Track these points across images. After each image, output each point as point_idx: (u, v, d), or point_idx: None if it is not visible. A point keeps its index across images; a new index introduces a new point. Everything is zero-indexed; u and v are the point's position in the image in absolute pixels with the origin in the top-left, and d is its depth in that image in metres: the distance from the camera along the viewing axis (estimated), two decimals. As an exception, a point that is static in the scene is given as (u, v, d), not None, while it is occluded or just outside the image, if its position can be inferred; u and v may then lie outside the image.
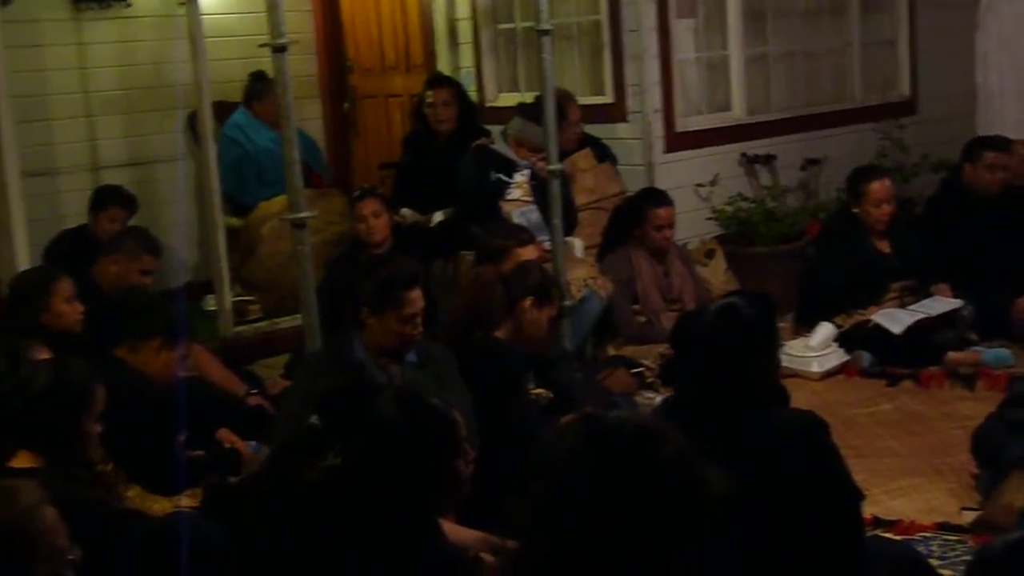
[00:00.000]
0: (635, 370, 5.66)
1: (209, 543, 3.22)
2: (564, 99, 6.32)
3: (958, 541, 4.01)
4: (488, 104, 7.55)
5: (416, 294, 4.21)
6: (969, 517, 4.13)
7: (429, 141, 6.95)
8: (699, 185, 7.14)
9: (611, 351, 6.01)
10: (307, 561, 2.76)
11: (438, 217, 6.62)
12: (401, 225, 6.39)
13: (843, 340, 5.97)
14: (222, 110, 7.19)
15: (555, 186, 5.62)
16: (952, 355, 5.74)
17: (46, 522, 2.38)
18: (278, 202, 6.58)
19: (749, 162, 7.40)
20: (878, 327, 5.89)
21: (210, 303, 6.79)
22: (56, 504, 2.43)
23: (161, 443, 4.01)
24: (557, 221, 5.63)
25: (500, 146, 6.30)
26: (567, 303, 5.39)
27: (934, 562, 3.72)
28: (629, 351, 5.93)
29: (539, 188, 6.02)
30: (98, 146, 7.34)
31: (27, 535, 2.33)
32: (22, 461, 3.27)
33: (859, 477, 2.97)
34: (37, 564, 2.33)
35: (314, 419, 3.63)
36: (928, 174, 7.56)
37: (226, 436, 4.50)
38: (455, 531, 3.21)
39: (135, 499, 3.79)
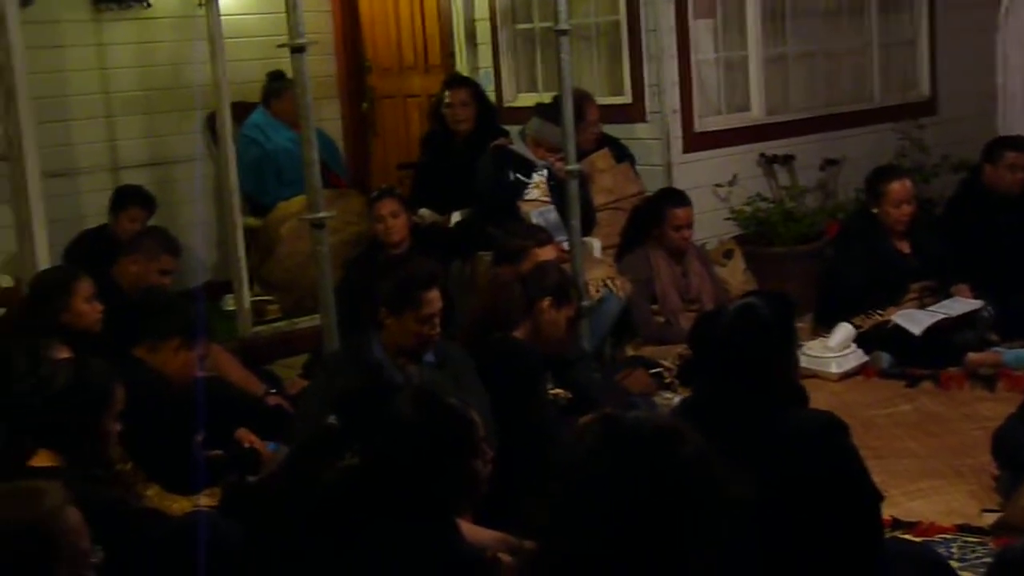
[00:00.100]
0: (654, 370, 5.65)
1: (228, 543, 3.23)
2: (582, 99, 6.31)
3: (978, 543, 3.98)
4: (506, 104, 7.55)
5: (434, 294, 4.21)
6: (989, 519, 4.11)
7: (447, 141, 6.96)
8: (718, 185, 7.14)
9: (629, 351, 6.01)
10: (325, 561, 2.77)
11: (456, 217, 6.62)
12: (419, 225, 6.39)
13: (862, 341, 5.95)
14: (241, 111, 7.21)
15: (573, 186, 5.61)
16: (972, 356, 5.72)
17: (69, 523, 2.39)
18: (297, 202, 6.60)
19: (768, 162, 7.39)
20: (898, 328, 5.87)
21: (229, 303, 6.81)
22: (77, 503, 2.44)
23: (180, 443, 4.02)
24: (575, 221, 5.63)
25: (518, 146, 6.30)
26: (585, 303, 5.39)
27: (954, 564, 3.69)
28: (647, 351, 5.93)
29: (557, 188, 6.02)
30: (118, 146, 7.37)
31: (49, 536, 2.34)
32: (42, 460, 3.28)
33: (878, 478, 2.95)
34: (58, 565, 2.34)
35: (332, 419, 3.64)
36: (948, 174, 7.53)
37: (245, 436, 4.51)
38: (473, 531, 3.21)
39: (154, 498, 3.80)
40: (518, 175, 6.19)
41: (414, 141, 7.84)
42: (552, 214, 6.11)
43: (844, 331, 5.94)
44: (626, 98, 7.05)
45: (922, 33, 8.27)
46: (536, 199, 6.19)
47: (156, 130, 7.44)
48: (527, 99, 7.33)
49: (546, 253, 5.25)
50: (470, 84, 7.15)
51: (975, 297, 6.06)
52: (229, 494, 3.90)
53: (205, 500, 3.81)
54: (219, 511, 3.64)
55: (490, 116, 7.04)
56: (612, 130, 6.86)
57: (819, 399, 4.10)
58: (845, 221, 6.83)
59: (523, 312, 4.54)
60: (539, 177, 6.21)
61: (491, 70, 7.66)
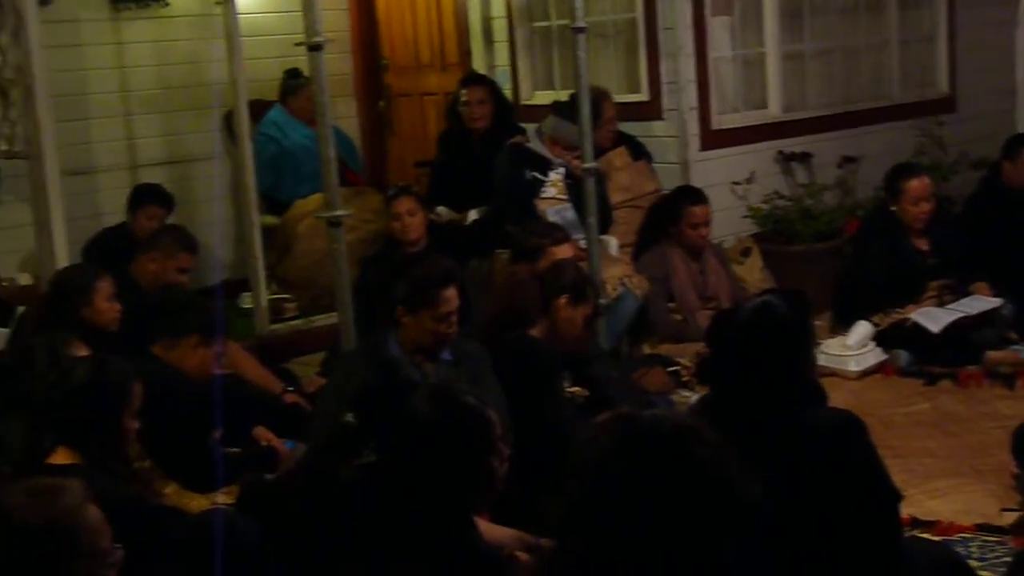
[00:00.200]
0: (671, 368, 5.64)
1: (245, 540, 3.23)
2: (599, 97, 6.31)
3: (998, 542, 3.97)
4: (523, 102, 7.55)
5: (451, 292, 4.21)
6: (1009, 518, 4.07)
7: (464, 139, 6.96)
8: (735, 183, 7.12)
9: (646, 350, 6.00)
10: (342, 558, 2.77)
11: (473, 215, 6.62)
12: (436, 223, 6.39)
13: (881, 339, 5.93)
14: (258, 109, 7.23)
15: (590, 184, 5.61)
16: (991, 354, 5.69)
17: (89, 521, 2.39)
18: (314, 200, 6.61)
19: (785, 160, 7.37)
20: (916, 326, 5.85)
21: (246, 301, 6.82)
22: (96, 501, 2.44)
23: (197, 440, 4.03)
24: (592, 219, 5.62)
25: (535, 144, 6.29)
26: (602, 302, 5.38)
27: (973, 563, 3.68)
28: (665, 349, 5.92)
29: (574, 186, 6.01)
30: (136, 145, 7.40)
31: (70, 533, 2.35)
32: (61, 457, 3.29)
33: (897, 477, 2.94)
34: (79, 562, 2.35)
35: (349, 417, 3.65)
36: (967, 172, 7.50)
37: (262, 433, 4.52)
38: (490, 529, 3.21)
39: (172, 496, 3.82)
40: (535, 173, 6.19)
41: (431, 139, 7.84)
42: (569, 212, 6.10)
43: (863, 329, 5.92)
44: (643, 96, 7.03)
45: (941, 30, 8.23)
46: (553, 197, 6.18)
47: (174, 128, 7.46)
48: (544, 97, 7.32)
49: (563, 251, 5.24)
50: (487, 82, 7.15)
51: (994, 295, 6.03)
52: (246, 492, 3.90)
53: (222, 498, 3.82)
54: (236, 509, 3.65)
55: (507, 114, 7.04)
56: (629, 128, 6.85)
57: (837, 397, 4.09)
58: (863, 219, 6.81)
59: (540, 310, 4.54)
60: (556, 175, 6.20)
61: (508, 68, 7.66)
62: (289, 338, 6.53)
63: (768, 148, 7.32)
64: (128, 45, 7.34)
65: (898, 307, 6.01)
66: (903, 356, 5.88)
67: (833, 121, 7.63)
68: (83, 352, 3.93)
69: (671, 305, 6.17)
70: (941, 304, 6.02)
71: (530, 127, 6.52)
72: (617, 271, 5.97)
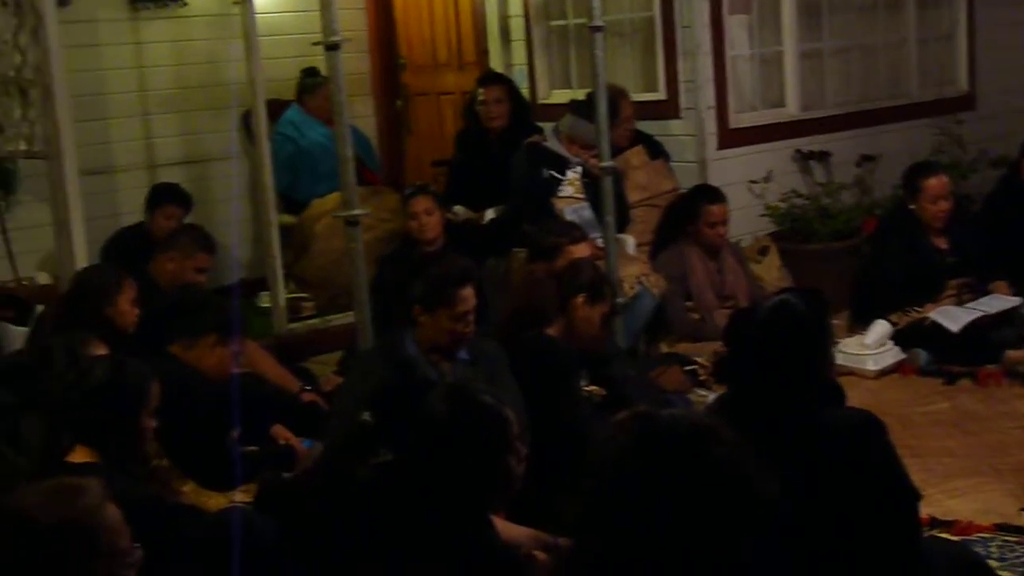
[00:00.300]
0: (688, 367, 5.63)
1: (263, 538, 3.24)
2: (616, 96, 6.30)
3: (1017, 542, 3.95)
4: (540, 101, 7.55)
5: (468, 291, 4.21)
6: (1028, 518, 4.07)
7: (481, 138, 6.96)
8: (753, 182, 7.10)
9: (664, 348, 5.99)
10: (359, 557, 2.77)
11: (490, 214, 6.63)
12: (453, 222, 6.40)
13: (899, 338, 5.91)
14: (276, 108, 7.25)
15: (607, 183, 5.60)
16: (1010, 353, 5.67)
17: (108, 520, 2.39)
18: (331, 199, 6.62)
19: (803, 158, 7.35)
20: (935, 325, 5.83)
21: (264, 300, 6.84)
22: (115, 500, 2.45)
23: (215, 439, 4.04)
24: (609, 218, 5.62)
25: (552, 143, 6.29)
26: (620, 300, 5.37)
27: (992, 563, 3.66)
28: (682, 348, 5.92)
29: (591, 185, 6.01)
30: (154, 144, 7.42)
31: (89, 532, 2.35)
32: (80, 456, 3.31)
33: (916, 477, 2.93)
34: (98, 562, 2.35)
35: (366, 416, 3.65)
36: (986, 170, 7.47)
37: (280, 432, 4.53)
38: (507, 528, 3.21)
39: (190, 495, 3.83)
40: (552, 172, 6.19)
41: (448, 138, 7.85)
42: (586, 211, 6.10)
43: (881, 328, 5.90)
44: (660, 94, 7.03)
45: (960, 28, 8.20)
46: (570, 196, 6.18)
47: (192, 128, 7.48)
48: (561, 96, 7.32)
49: (580, 250, 5.24)
50: (504, 81, 7.15)
51: (1013, 294, 6.00)
52: (264, 490, 3.92)
53: (240, 496, 3.83)
54: (254, 507, 3.66)
55: (524, 113, 7.04)
56: (646, 127, 6.84)
57: (856, 397, 4.07)
58: (882, 217, 6.79)
59: (557, 309, 4.54)
60: (573, 174, 6.20)
61: (525, 67, 7.66)
62: (306, 337, 6.55)
63: (786, 147, 7.30)
64: (146, 45, 7.36)
65: (917, 306, 5.99)
66: (922, 355, 5.85)
67: (851, 119, 7.61)
68: (102, 351, 3.94)
69: (688, 304, 6.17)
70: (960, 303, 6.00)
71: (547, 126, 6.51)
72: (634, 270, 5.96)
